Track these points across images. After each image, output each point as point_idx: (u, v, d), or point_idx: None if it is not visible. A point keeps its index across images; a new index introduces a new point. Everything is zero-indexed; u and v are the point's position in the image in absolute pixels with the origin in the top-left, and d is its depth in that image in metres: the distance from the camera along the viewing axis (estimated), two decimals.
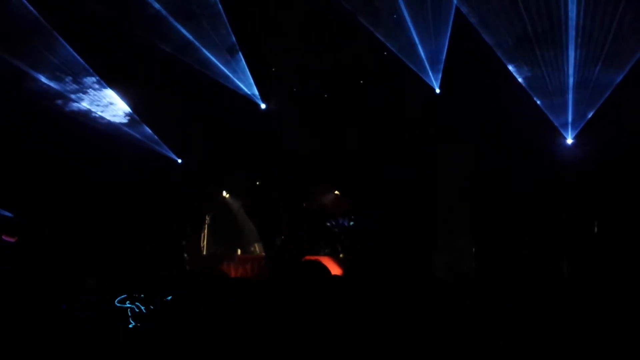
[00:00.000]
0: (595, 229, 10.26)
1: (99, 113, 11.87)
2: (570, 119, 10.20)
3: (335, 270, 11.74)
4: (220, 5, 10.47)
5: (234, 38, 11.00)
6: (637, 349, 4.76)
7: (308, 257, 12.50)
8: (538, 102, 10.30)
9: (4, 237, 10.15)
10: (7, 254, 9.80)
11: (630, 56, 9.10)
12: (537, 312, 6.33)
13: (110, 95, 11.63)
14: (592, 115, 9.96)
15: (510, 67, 10.18)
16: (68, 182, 11.50)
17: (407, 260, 10.61)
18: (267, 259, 12.58)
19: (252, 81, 11.83)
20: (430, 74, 10.90)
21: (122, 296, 6.20)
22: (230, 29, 10.86)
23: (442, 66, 10.70)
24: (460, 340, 4.84)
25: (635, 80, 9.29)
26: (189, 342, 5.03)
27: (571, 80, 9.66)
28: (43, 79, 10.70)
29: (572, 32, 9.18)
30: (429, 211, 11.31)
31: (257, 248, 13.61)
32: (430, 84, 11.05)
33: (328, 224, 13.35)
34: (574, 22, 9.02)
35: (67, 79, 10.91)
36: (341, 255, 12.79)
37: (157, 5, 10.00)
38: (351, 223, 13.07)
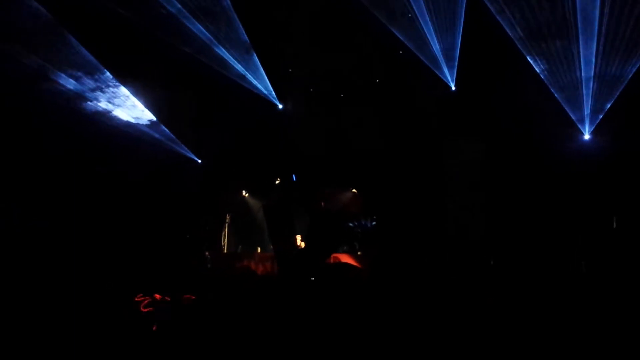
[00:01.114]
0: (614, 225, 10.17)
1: (119, 115, 12.07)
2: (586, 114, 10.11)
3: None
4: (235, 6, 10.60)
5: (249, 38, 11.12)
6: None
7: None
8: (556, 95, 10.22)
9: None
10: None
11: None
12: (553, 309, 6.35)
13: (130, 97, 11.84)
14: (609, 109, 9.85)
15: (526, 61, 10.11)
16: (86, 182, 11.71)
17: (420, 257, 10.63)
18: (281, 257, 12.68)
19: (268, 82, 11.96)
20: (445, 70, 10.89)
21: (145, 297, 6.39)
22: (246, 30, 10.99)
23: (456, 62, 10.68)
24: (470, 339, 4.91)
25: None
26: (211, 340, 5.15)
27: (585, 73, 9.55)
28: (59, 80, 10.90)
29: (587, 24, 9.07)
30: (444, 208, 11.33)
31: None
32: (445, 80, 11.06)
33: (345, 222, 13.42)
34: (588, 13, 8.90)
35: (84, 80, 11.10)
36: (359, 253, 12.86)
37: (172, 6, 10.15)
38: (368, 221, 13.12)
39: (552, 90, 10.20)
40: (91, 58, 10.65)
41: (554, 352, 4.95)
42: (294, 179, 12.82)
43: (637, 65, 9.29)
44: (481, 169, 11.07)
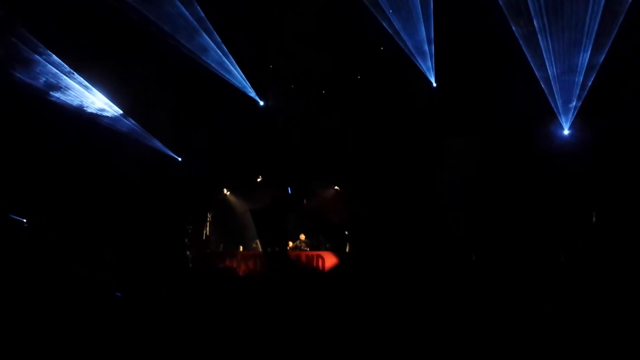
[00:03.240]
0: (594, 220, 10.29)
1: (92, 114, 11.86)
2: (561, 109, 10.20)
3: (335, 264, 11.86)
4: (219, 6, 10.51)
5: (231, 34, 11.02)
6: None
7: (309, 253, 12.63)
8: (527, 91, 10.26)
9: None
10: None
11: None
12: (537, 304, 6.42)
13: (109, 98, 11.67)
14: (583, 103, 9.91)
15: (505, 55, 10.17)
16: (72, 181, 11.52)
17: (407, 256, 10.68)
18: (266, 255, 12.63)
19: (251, 79, 11.87)
20: (424, 67, 10.92)
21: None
22: (227, 26, 10.89)
23: (433, 59, 10.72)
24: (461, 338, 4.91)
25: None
26: (193, 338, 5.10)
27: (555, 69, 9.63)
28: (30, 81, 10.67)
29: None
30: (428, 207, 11.40)
31: (259, 244, 13.69)
32: (428, 77, 11.08)
33: (328, 219, 13.44)
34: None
35: (62, 82, 10.91)
36: (347, 250, 12.90)
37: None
38: (351, 219, 13.11)
39: (524, 85, 10.24)
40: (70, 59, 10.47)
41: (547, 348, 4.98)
42: (281, 172, 12.78)
43: (603, 58, 9.34)
44: (466, 165, 11.14)
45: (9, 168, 10.66)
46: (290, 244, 13.31)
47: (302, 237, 13.39)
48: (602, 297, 6.69)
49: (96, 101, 11.63)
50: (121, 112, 11.97)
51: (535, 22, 9.33)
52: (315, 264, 12.21)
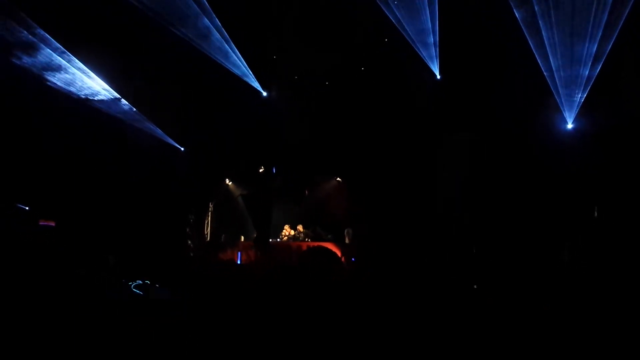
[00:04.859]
0: (596, 215, 10.27)
1: (98, 105, 11.81)
2: (564, 104, 10.15)
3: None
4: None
5: (234, 26, 10.97)
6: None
7: (310, 243, 12.65)
8: (528, 86, 10.21)
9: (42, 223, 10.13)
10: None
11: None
12: (540, 302, 6.45)
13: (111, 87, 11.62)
14: (586, 97, 9.85)
15: (504, 50, 10.13)
16: (74, 172, 11.51)
17: (406, 252, 10.69)
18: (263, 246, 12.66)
19: (254, 70, 11.82)
20: (428, 59, 10.86)
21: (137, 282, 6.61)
22: (231, 17, 10.83)
23: (437, 50, 10.64)
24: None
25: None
26: (197, 331, 5.12)
27: (557, 62, 9.56)
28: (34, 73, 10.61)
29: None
30: (430, 201, 11.40)
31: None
32: (432, 69, 11.02)
33: (330, 210, 13.47)
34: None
35: (64, 72, 10.85)
36: (347, 241, 12.91)
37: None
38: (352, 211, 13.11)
39: (525, 81, 10.19)
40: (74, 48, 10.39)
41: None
42: (274, 170, 12.81)
43: (608, 51, 9.25)
44: (467, 161, 11.12)
45: (9, 167, 10.62)
46: (292, 232, 13.35)
47: (300, 227, 13.43)
48: (602, 297, 6.72)
49: (94, 89, 11.58)
50: (124, 102, 11.93)
51: (537, 11, 9.24)
52: None
